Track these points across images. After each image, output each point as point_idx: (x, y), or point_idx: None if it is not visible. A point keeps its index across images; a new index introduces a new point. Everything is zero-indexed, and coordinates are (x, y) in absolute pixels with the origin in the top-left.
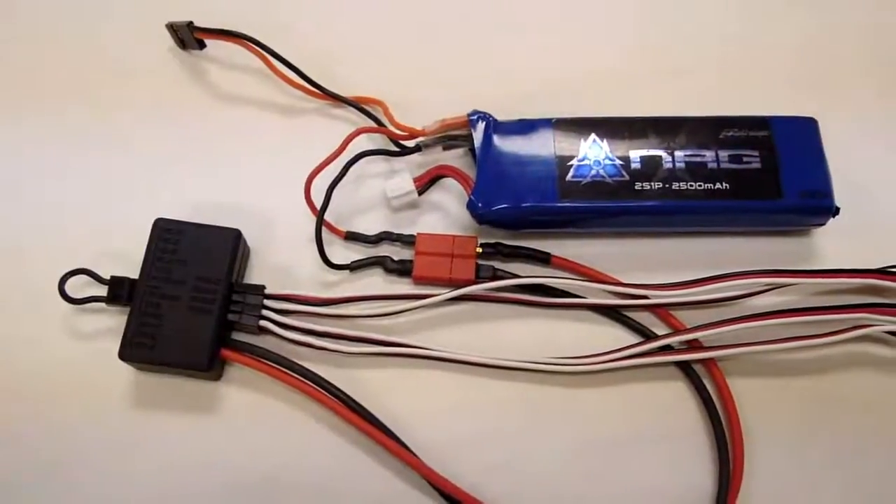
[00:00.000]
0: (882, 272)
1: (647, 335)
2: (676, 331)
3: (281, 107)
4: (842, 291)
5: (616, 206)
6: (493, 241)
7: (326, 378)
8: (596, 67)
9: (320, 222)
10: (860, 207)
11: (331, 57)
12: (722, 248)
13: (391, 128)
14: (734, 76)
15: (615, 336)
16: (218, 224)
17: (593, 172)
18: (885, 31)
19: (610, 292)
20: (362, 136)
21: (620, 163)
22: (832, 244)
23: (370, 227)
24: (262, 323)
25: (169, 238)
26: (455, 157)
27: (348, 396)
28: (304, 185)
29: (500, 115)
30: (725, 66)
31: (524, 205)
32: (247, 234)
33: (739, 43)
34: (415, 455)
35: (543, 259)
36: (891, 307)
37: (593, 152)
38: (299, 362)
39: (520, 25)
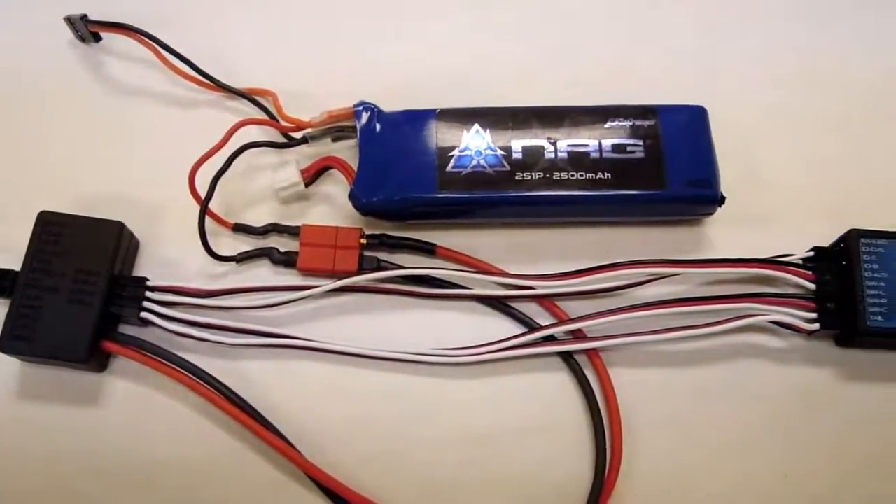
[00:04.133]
0: (769, 261)
1: (532, 326)
2: (560, 321)
3: (175, 99)
4: (732, 281)
5: (495, 197)
6: (378, 232)
7: (211, 369)
8: (494, 57)
9: (203, 214)
10: (753, 197)
11: (228, 49)
12: (612, 239)
13: (279, 120)
14: (629, 64)
15: (500, 327)
16: (107, 217)
17: (474, 163)
18: (777, 18)
19: (495, 283)
20: (255, 128)
21: (502, 153)
22: (723, 233)
23: (261, 219)
24: (144, 315)
25: (51, 231)
26: (346, 149)
27: (227, 388)
28: (187, 177)
29: (400, 106)
30: (620, 54)
31: (403, 195)
32: (137, 227)
33: (635, 30)
34: (292, 446)
35: (428, 250)
36: (776, 297)
37: (475, 143)
38: (181, 354)
39: (417, 15)
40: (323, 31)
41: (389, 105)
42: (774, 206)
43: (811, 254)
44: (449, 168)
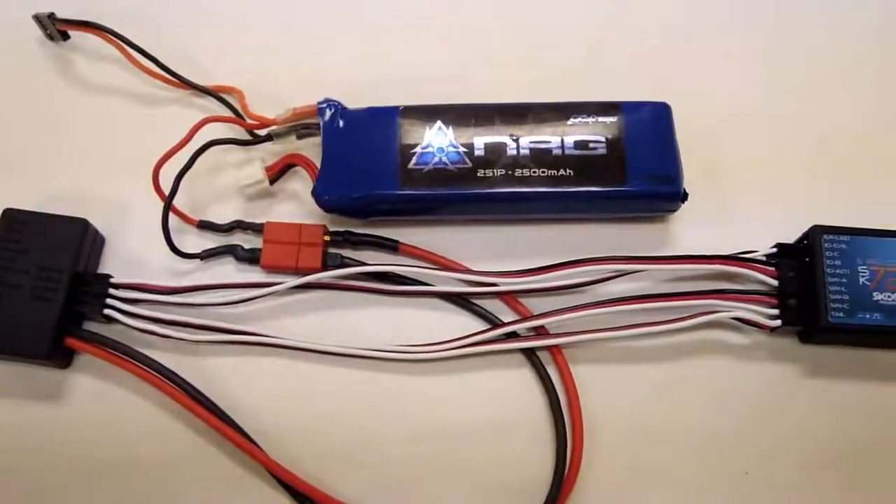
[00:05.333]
0: (732, 258)
1: (495, 323)
2: (522, 318)
3: (142, 97)
4: (695, 278)
5: (457, 194)
6: (342, 229)
7: (174, 366)
8: (462, 55)
9: (167, 211)
10: (718, 193)
11: (195, 47)
12: (576, 235)
13: (245, 117)
14: (595, 61)
15: (464, 324)
16: (73, 214)
17: (436, 160)
18: (742, 15)
19: (459, 280)
20: (221, 125)
21: (464, 150)
22: (688, 230)
23: (227, 216)
24: (107, 312)
25: (15, 228)
26: (312, 146)
27: (189, 384)
28: (151, 174)
29: (368, 104)
30: (587, 52)
31: (365, 193)
32: (103, 224)
33: (601, 27)
34: (254, 443)
35: (392, 247)
36: (739, 293)
37: (437, 139)
38: (144, 351)
39: (385, 13)
40: (291, 29)
41: (358, 102)
42: (739, 202)
43: (774, 250)
44: (411, 165)
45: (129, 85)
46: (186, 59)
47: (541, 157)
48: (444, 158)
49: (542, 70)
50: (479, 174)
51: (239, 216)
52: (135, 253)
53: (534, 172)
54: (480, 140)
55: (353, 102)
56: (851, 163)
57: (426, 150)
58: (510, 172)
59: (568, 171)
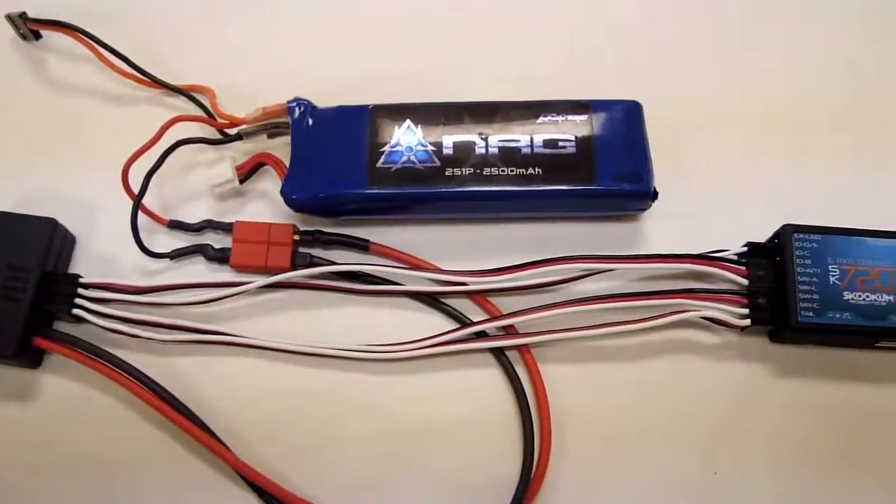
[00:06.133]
0: (702, 257)
1: (465, 322)
2: (491, 317)
3: (114, 96)
4: (667, 277)
5: (425, 192)
6: (312, 228)
7: (143, 365)
8: (435, 53)
9: (136, 210)
10: (690, 192)
11: (168, 46)
12: (547, 234)
13: (215, 116)
14: (567, 60)
15: (433, 323)
16: (44, 214)
17: (404, 159)
18: (715, 15)
19: (429, 279)
20: (193, 124)
21: (433, 149)
22: (660, 229)
23: (198, 216)
24: (76, 311)
25: None
26: (283, 145)
27: (157, 384)
28: (120, 173)
29: (340, 103)
30: (559, 50)
31: (332, 192)
32: (74, 224)
33: (574, 25)
34: (222, 443)
35: (362, 246)
36: (709, 292)
37: (406, 138)
38: (114, 351)
39: (357, 11)
40: (264, 28)
41: (331, 102)
42: (711, 201)
43: (745, 249)
44: (379, 164)
45: (101, 84)
46: (158, 58)
47: (509, 155)
48: (413, 157)
49: (515, 69)
50: (447, 173)
51: (210, 215)
52: (106, 252)
53: (502, 171)
54: (449, 139)
55: (327, 101)
56: (824, 162)
57: (395, 150)
58: (478, 171)
59: (537, 169)
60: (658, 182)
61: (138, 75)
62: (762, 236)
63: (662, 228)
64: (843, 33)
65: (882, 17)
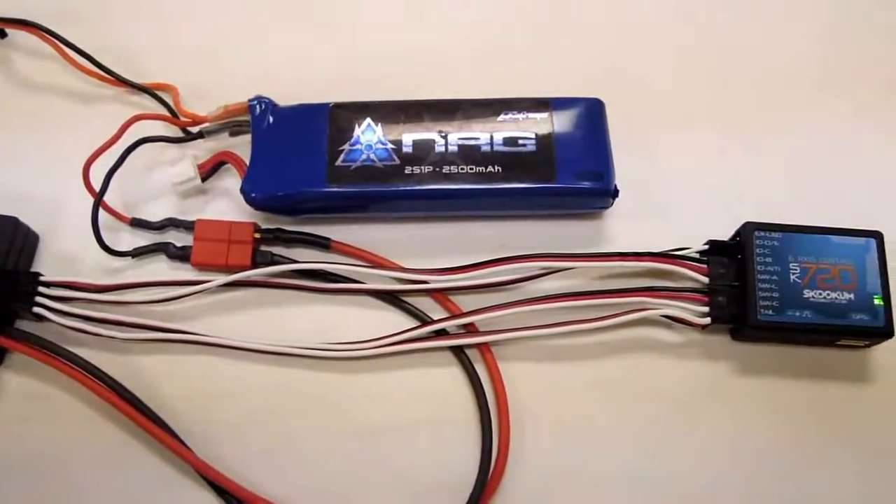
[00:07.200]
0: (663, 255)
1: (425, 320)
2: (451, 315)
3: (78, 94)
4: (630, 275)
5: (384, 191)
6: (273, 226)
7: (105, 364)
8: (400, 50)
9: (96, 208)
10: (654, 190)
11: (133, 44)
12: (509, 233)
13: (178, 115)
14: (532, 58)
15: (394, 321)
16: (7, 212)
17: (363, 157)
18: (680, 12)
19: (390, 277)
20: (157, 123)
21: (392, 147)
22: (623, 227)
23: (161, 214)
24: (37, 310)
25: None
26: (246, 143)
27: (117, 383)
28: (81, 172)
29: (305, 101)
30: (524, 48)
31: (292, 190)
32: (37, 222)
33: (539, 23)
34: (182, 442)
35: (323, 244)
36: (670, 290)
37: (366, 137)
38: (74, 349)
39: (324, 9)
40: (230, 27)
41: (294, 100)
42: (675, 199)
43: (706, 247)
44: (339, 162)
45: (66, 83)
46: (124, 57)
47: (469, 153)
48: (372, 156)
49: (478, 67)
50: (406, 171)
51: (173, 214)
52: (69, 251)
53: (461, 169)
54: (409, 137)
55: (291, 100)
56: (788, 160)
57: (354, 148)
58: (438, 169)
59: (496, 167)
60: (621, 180)
61: (102, 73)
62: (727, 234)
63: (625, 227)
64: (805, 35)
65: (849, 22)
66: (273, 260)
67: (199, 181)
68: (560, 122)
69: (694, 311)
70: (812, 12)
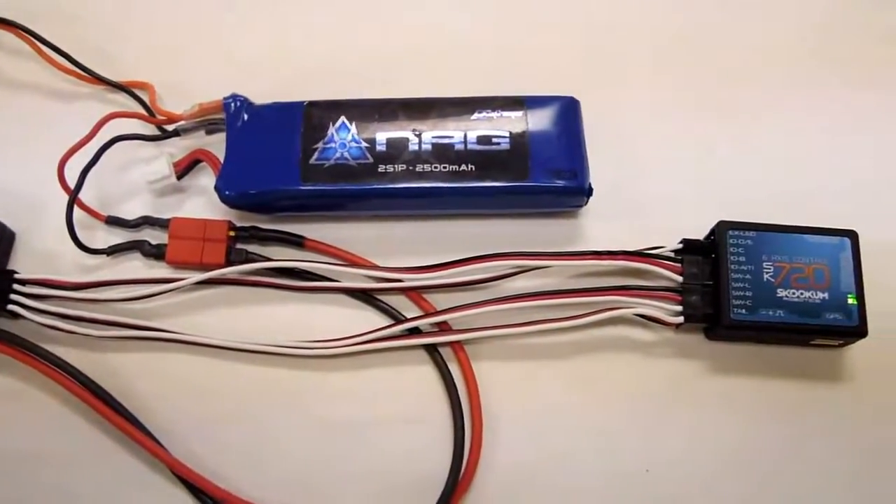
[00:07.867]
0: (637, 254)
1: (399, 319)
2: (425, 314)
3: (55, 92)
4: (605, 274)
5: (357, 189)
6: (248, 224)
7: (80, 362)
8: (375, 49)
9: (71, 206)
10: (629, 189)
11: (111, 43)
12: (484, 231)
13: (154, 113)
14: (508, 56)
15: (369, 320)
16: None
17: (337, 155)
18: (657, 8)
19: (364, 276)
20: (133, 121)
21: (366, 145)
22: (598, 226)
23: (137, 212)
24: (11, 307)
25: None
26: (221, 141)
27: (91, 381)
28: (56, 169)
29: (281, 99)
30: (501, 46)
31: (266, 188)
32: (14, 220)
33: (516, 21)
34: (156, 440)
35: (297, 243)
36: (643, 289)
37: (340, 135)
38: (49, 347)
39: (300, 7)
40: (207, 25)
41: (270, 98)
42: (650, 198)
43: (680, 246)
44: (312, 161)
45: (43, 81)
46: (101, 55)
47: (442, 152)
48: (346, 154)
49: (451, 65)
50: (380, 169)
51: (149, 212)
52: (45, 248)
53: (435, 168)
54: (383, 135)
55: (267, 98)
56: (763, 158)
57: (328, 146)
58: (411, 168)
59: (470, 166)
60: (595, 179)
61: (79, 72)
62: (701, 233)
63: (600, 226)
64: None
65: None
66: (247, 258)
67: (174, 179)
68: (534, 121)
69: (667, 310)
70: (789, 10)
